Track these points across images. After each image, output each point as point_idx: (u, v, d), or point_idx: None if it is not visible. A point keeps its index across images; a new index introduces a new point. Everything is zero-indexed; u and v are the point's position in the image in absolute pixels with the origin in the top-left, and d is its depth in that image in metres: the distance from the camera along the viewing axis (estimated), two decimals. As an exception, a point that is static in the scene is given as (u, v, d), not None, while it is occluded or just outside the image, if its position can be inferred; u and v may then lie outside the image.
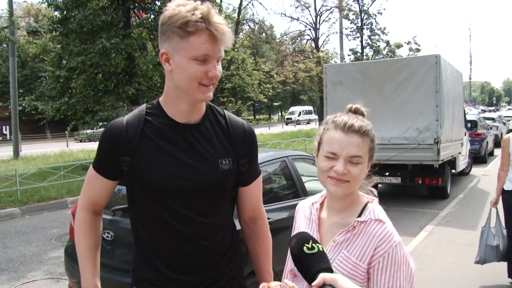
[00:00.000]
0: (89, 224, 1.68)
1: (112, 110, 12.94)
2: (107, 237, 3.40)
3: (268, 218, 3.63)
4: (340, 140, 1.39)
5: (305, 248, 1.22)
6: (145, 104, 1.64)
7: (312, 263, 1.20)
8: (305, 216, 1.58)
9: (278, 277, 3.70)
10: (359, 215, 1.43)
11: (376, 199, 1.51)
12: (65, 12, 13.88)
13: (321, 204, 1.57)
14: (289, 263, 1.59)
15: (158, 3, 14.70)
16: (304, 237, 1.27)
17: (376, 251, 1.35)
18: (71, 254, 3.83)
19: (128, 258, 2.98)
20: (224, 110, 1.71)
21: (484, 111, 46.16)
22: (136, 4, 14.58)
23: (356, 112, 1.49)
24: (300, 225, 1.59)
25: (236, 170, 1.65)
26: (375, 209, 1.44)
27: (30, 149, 21.72)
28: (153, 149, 1.54)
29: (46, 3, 14.02)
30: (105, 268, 3.43)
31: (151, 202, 1.57)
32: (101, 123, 13.67)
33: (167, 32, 1.46)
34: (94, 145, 18.44)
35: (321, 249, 1.23)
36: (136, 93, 13.52)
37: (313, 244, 1.23)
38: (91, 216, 1.69)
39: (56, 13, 14.65)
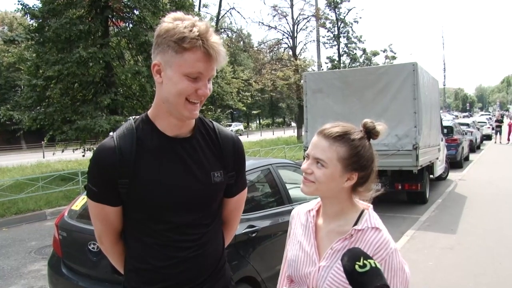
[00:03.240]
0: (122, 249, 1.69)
1: (91, 119, 12.77)
2: (93, 248, 3.36)
3: (254, 226, 3.71)
4: (312, 142, 1.50)
5: (357, 266, 1.21)
6: (131, 120, 1.61)
7: (366, 281, 1.20)
8: (301, 223, 1.61)
9: (265, 284, 3.72)
10: (356, 223, 1.46)
11: (371, 206, 1.54)
12: (41, 20, 13.69)
13: (317, 211, 1.60)
14: (286, 269, 1.61)
15: (137, 12, 14.63)
16: (355, 254, 1.26)
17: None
18: (55, 267, 3.77)
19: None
20: (213, 122, 1.71)
21: (457, 116, 47.21)
22: (114, 13, 14.47)
23: (367, 127, 1.50)
24: (296, 231, 1.61)
25: (226, 182, 1.66)
26: (371, 216, 1.48)
27: (4, 160, 21.24)
28: (148, 166, 1.53)
29: (22, 12, 13.80)
30: (92, 280, 3.41)
31: (147, 219, 1.56)
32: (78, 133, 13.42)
33: (162, 44, 1.45)
34: (71, 155, 18.14)
35: (373, 264, 1.23)
36: (114, 102, 13.38)
37: (365, 261, 1.23)
38: (122, 244, 1.68)
39: (32, 21, 14.44)
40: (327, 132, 1.47)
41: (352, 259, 1.24)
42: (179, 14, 1.46)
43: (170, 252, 1.56)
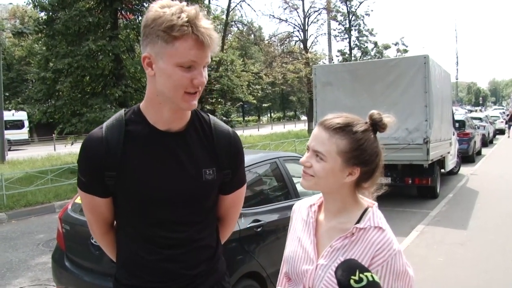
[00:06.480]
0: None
1: (100, 112, 12.80)
2: (95, 242, 3.31)
3: (259, 220, 3.65)
4: (313, 134, 1.42)
5: (352, 281, 1.13)
6: (122, 111, 1.56)
7: None
8: (302, 218, 1.54)
9: (270, 279, 3.67)
10: (358, 221, 1.38)
11: (376, 204, 1.46)
12: (50, 13, 13.71)
13: (319, 207, 1.52)
14: (284, 266, 1.55)
15: (146, 5, 14.59)
16: (350, 267, 1.18)
17: (374, 260, 1.30)
18: (58, 260, 3.76)
19: (117, 263, 2.92)
20: (210, 116, 1.63)
21: (471, 111, 46.68)
22: (124, 6, 14.46)
23: (373, 119, 1.41)
24: (297, 227, 1.54)
25: (220, 180, 1.59)
26: (375, 215, 1.39)
27: (16, 153, 21.46)
28: (136, 160, 1.47)
29: (32, 4, 13.84)
30: (94, 274, 3.38)
31: (135, 213, 1.51)
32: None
33: (150, 35, 1.37)
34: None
35: (370, 278, 1.15)
36: (123, 95, 13.38)
37: (361, 275, 1.15)
38: (113, 233, 1.65)
39: (42, 14, 14.48)
40: (327, 123, 1.38)
41: (347, 273, 1.15)
42: (166, 1, 1.38)
43: (157, 248, 1.52)
